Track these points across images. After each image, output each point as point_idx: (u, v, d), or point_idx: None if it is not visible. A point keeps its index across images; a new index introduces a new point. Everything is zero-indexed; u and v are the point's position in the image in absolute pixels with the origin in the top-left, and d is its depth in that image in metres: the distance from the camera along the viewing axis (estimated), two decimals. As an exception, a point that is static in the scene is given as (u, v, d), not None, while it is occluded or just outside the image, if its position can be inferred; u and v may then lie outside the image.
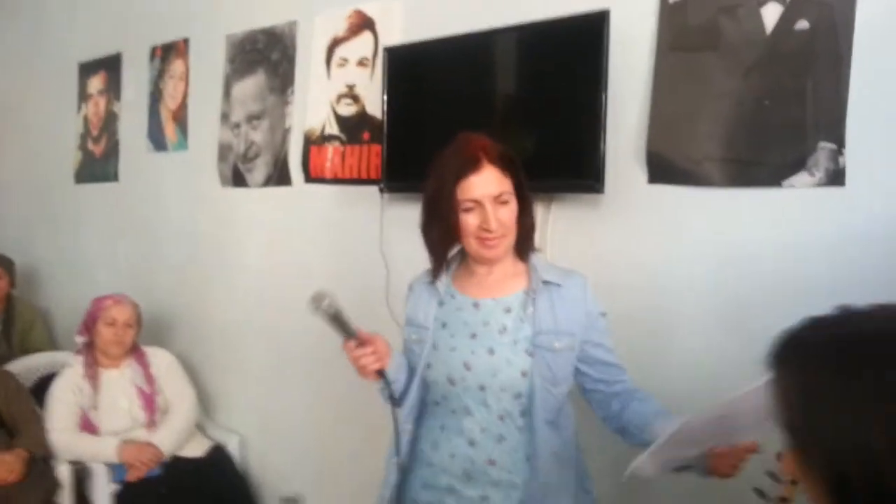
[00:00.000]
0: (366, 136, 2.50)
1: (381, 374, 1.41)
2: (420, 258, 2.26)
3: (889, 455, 0.67)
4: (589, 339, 1.46)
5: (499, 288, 1.48)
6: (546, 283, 1.46)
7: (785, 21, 1.67)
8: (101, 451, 2.65)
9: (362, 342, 1.39)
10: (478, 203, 1.40)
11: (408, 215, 2.36)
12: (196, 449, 2.80)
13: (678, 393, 1.82)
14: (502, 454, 1.42)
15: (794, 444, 0.76)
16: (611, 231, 1.95)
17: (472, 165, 1.40)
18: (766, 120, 1.69)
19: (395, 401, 1.46)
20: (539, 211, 1.99)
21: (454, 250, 1.53)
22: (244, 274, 2.98)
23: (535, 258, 1.50)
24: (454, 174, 1.41)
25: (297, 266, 2.75)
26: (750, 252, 1.73)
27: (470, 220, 1.42)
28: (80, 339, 2.87)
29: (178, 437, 2.76)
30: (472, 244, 1.44)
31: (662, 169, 1.85)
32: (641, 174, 1.88)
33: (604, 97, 1.85)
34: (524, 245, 1.49)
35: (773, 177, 1.68)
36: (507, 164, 1.43)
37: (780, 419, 0.76)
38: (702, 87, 1.78)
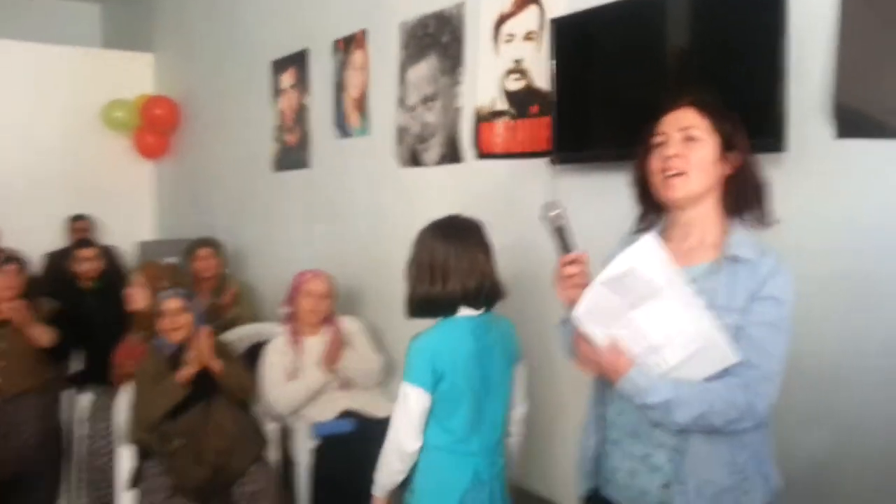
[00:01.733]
0: (534, 109, 2.54)
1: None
2: (592, 229, 2.28)
3: None
4: (742, 318, 1.36)
5: (691, 257, 1.43)
6: (734, 257, 1.39)
7: None
8: (310, 383, 2.96)
9: (577, 261, 1.45)
10: (666, 135, 1.42)
11: (579, 186, 2.40)
12: (381, 410, 3.02)
13: (881, 365, 1.70)
14: None
15: None
16: (796, 192, 1.83)
17: (671, 105, 1.45)
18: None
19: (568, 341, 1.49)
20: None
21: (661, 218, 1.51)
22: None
23: (738, 231, 1.42)
24: (657, 118, 1.45)
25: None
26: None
27: (656, 156, 1.43)
28: (284, 310, 3.20)
29: (358, 366, 3.04)
30: (657, 185, 1.44)
31: (852, 122, 1.72)
32: (828, 129, 1.76)
33: (784, 47, 1.76)
34: (735, 204, 1.43)
35: None
36: (706, 107, 1.42)
37: None
38: (893, 32, 1.63)
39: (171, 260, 4.63)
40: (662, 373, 1.37)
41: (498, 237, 2.53)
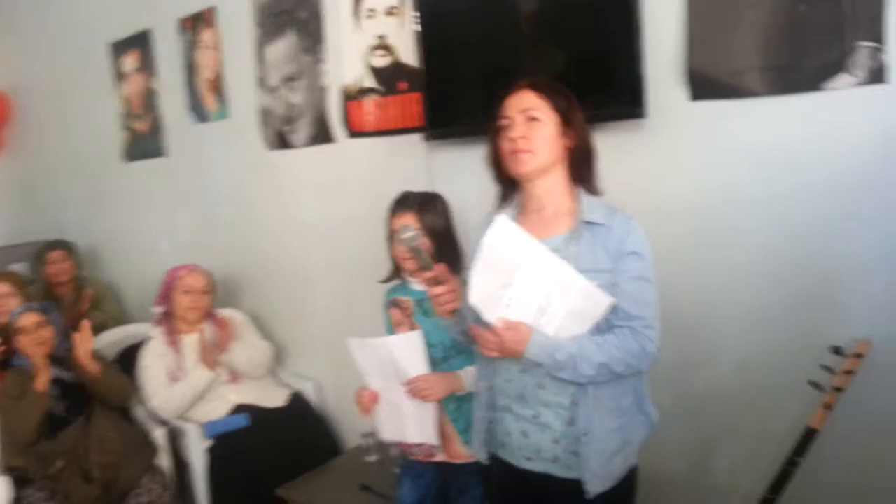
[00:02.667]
0: (402, 85, 2.54)
1: (453, 313, 1.52)
2: (469, 202, 2.33)
3: None
4: (614, 277, 1.48)
5: (549, 228, 1.55)
6: (589, 223, 1.51)
7: (818, -80, 1.64)
8: (196, 382, 2.85)
9: (440, 280, 1.55)
10: (510, 119, 1.54)
11: (454, 160, 2.44)
12: (277, 399, 2.98)
13: (741, 302, 1.89)
14: (550, 379, 1.51)
15: None
16: (656, 154, 1.97)
17: (511, 91, 1.56)
18: (803, 23, 1.68)
19: (466, 338, 1.57)
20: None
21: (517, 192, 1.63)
22: (300, 230, 3.09)
23: (585, 198, 1.55)
24: (499, 103, 1.57)
25: (349, 218, 2.84)
26: (796, 158, 1.75)
27: (504, 137, 1.54)
28: (157, 310, 3.03)
29: (250, 357, 2.98)
30: (508, 163, 1.56)
31: (705, 85, 1.86)
32: (683, 93, 1.89)
33: (637, 20, 1.86)
34: (577, 174, 1.57)
35: (814, 80, 1.69)
36: (543, 89, 1.54)
37: None
38: (736, -1, 1.77)
39: (19, 266, 4.26)
40: (555, 327, 1.48)
41: (375, 214, 2.52)
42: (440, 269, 1.58)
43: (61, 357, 2.78)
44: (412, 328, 2.00)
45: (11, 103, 4.90)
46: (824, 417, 1.69)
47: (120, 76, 3.90)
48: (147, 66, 3.70)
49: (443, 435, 2.02)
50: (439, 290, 1.57)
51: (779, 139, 1.77)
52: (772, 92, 1.76)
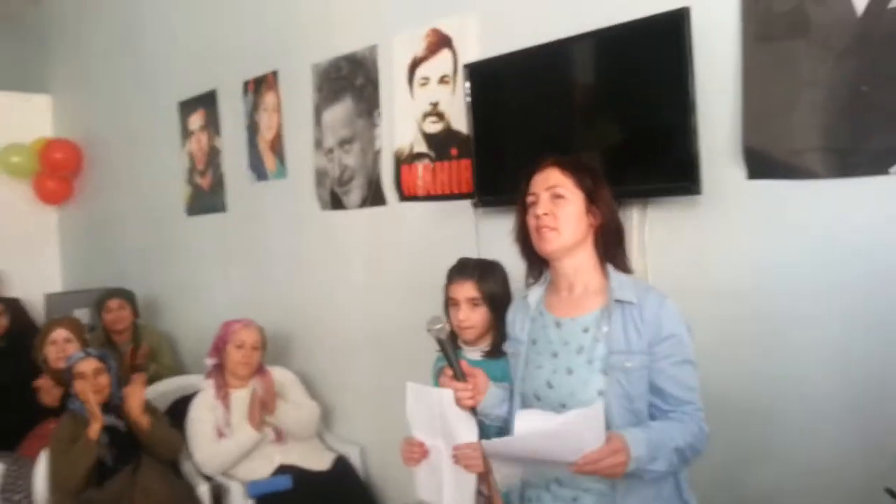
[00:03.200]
0: (454, 151, 2.55)
1: (473, 410, 1.55)
2: (517, 268, 2.30)
3: None
4: (653, 361, 1.45)
5: (579, 306, 1.54)
6: (619, 301, 1.48)
7: (876, 2, 1.59)
8: (241, 440, 2.85)
9: (463, 375, 1.54)
10: (536, 196, 1.55)
11: (503, 227, 2.40)
12: (321, 462, 2.95)
13: (801, 398, 1.78)
14: None
15: None
16: (712, 233, 1.91)
17: (537, 168, 1.58)
18: (865, 105, 1.62)
19: (482, 433, 1.58)
20: (634, 217, 1.99)
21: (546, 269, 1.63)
22: (349, 291, 3.11)
23: (615, 275, 1.53)
24: (526, 179, 1.60)
25: (398, 282, 2.84)
26: (863, 244, 1.66)
27: (531, 214, 1.56)
28: (210, 362, 3.07)
29: (297, 417, 2.96)
30: (535, 241, 1.55)
31: (761, 163, 1.80)
32: (739, 171, 1.84)
33: (692, 95, 1.83)
34: (606, 252, 1.56)
35: (880, 164, 1.61)
36: (568, 166, 1.55)
37: None
38: (794, 76, 1.72)
39: (81, 312, 4.41)
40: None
41: (425, 278, 2.53)
42: (464, 366, 1.57)
43: (114, 405, 2.84)
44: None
45: (83, 155, 5.16)
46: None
47: (186, 133, 4.05)
48: (211, 124, 3.84)
49: None
50: (459, 386, 1.56)
51: (843, 224, 1.68)
52: (834, 174, 1.68)
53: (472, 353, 2.01)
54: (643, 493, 1.46)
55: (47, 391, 3.16)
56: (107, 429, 2.76)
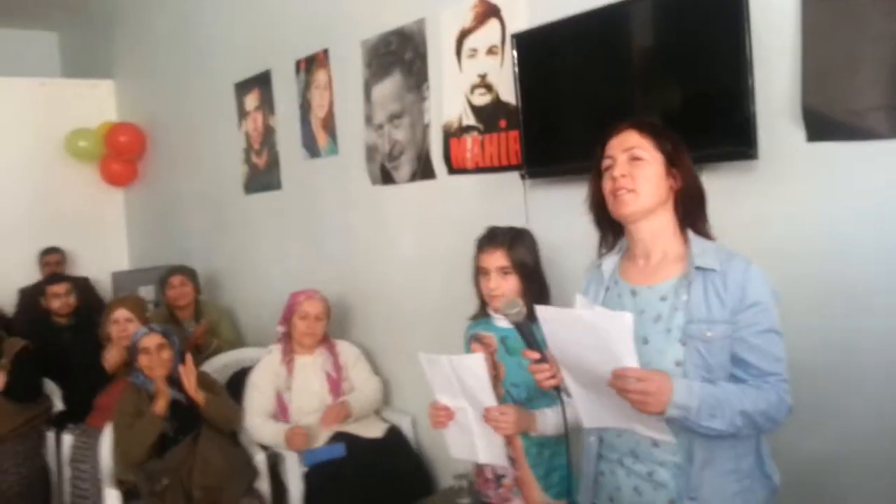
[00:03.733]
0: (502, 123, 2.53)
1: (556, 389, 1.50)
2: (565, 242, 2.28)
3: None
4: (735, 331, 1.39)
5: (657, 274, 1.49)
6: (700, 268, 1.42)
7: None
8: (274, 436, 2.93)
9: (544, 356, 1.48)
10: (613, 158, 1.49)
11: (551, 199, 2.39)
12: (375, 430, 3.01)
13: (864, 369, 1.71)
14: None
15: None
16: (770, 198, 1.84)
17: (614, 131, 1.52)
18: (938, 59, 1.53)
19: (568, 395, 1.51)
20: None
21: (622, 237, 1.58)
22: (401, 264, 3.13)
23: (696, 241, 1.47)
24: (601, 142, 1.53)
25: (449, 255, 2.82)
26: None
27: (607, 178, 1.49)
28: (280, 329, 3.17)
29: (364, 405, 3.02)
30: (610, 205, 1.50)
31: (821, 125, 1.72)
32: (798, 133, 1.76)
33: (749, 56, 1.76)
34: (686, 217, 1.50)
35: (950, 121, 1.52)
36: (647, 129, 1.49)
37: None
38: (857, 31, 1.64)
39: (146, 289, 4.57)
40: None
41: (471, 251, 2.50)
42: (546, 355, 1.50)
43: (176, 379, 2.93)
44: (494, 365, 1.98)
45: (146, 138, 5.32)
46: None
47: (242, 113, 4.13)
48: (266, 104, 3.90)
49: (520, 481, 1.97)
50: (542, 367, 1.49)
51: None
52: (899, 134, 1.60)
53: (500, 321, 2.01)
54: (721, 466, 1.42)
55: (111, 357, 3.28)
56: (169, 402, 2.87)
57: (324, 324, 3.11)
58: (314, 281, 3.56)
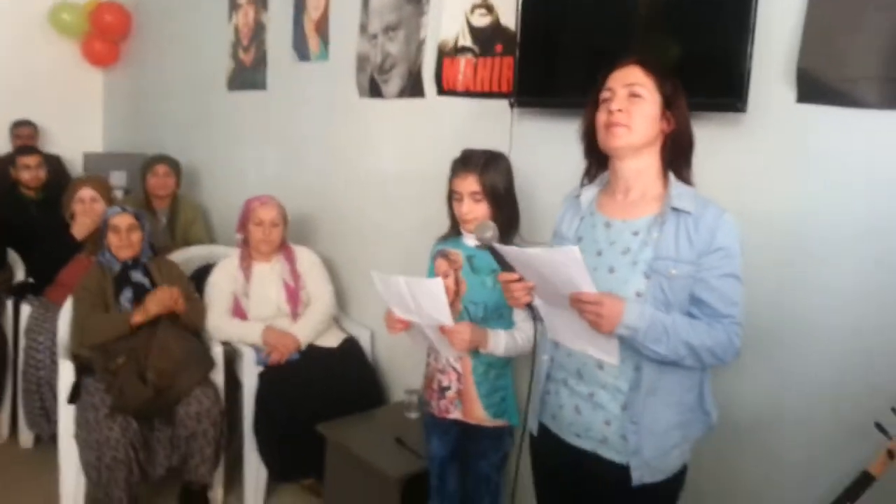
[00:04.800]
0: (499, 48, 2.49)
1: (529, 306, 1.53)
2: (548, 173, 2.28)
3: None
4: (698, 271, 1.45)
5: (633, 210, 1.53)
6: (676, 209, 1.47)
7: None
8: (247, 334, 2.94)
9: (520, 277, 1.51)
10: (612, 91, 1.49)
11: (540, 130, 2.38)
12: (331, 339, 3.05)
13: (816, 328, 1.77)
14: None
15: None
16: (753, 154, 1.86)
17: (618, 64, 1.52)
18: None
19: (540, 319, 1.57)
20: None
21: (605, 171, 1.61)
22: (379, 180, 3.12)
23: (676, 185, 1.50)
24: (604, 73, 1.53)
25: (428, 175, 2.81)
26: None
27: (603, 109, 1.51)
28: (238, 236, 3.14)
29: (314, 329, 3.01)
30: (602, 137, 1.51)
31: (814, 87, 1.72)
32: (789, 93, 1.77)
33: (754, 5, 1.74)
34: (672, 161, 1.52)
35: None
36: (651, 67, 1.50)
37: None
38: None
39: (119, 174, 4.50)
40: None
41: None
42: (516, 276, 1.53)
43: (143, 263, 2.93)
44: (457, 281, 2.02)
45: (132, 19, 5.13)
46: (885, 464, 1.56)
47: (234, 5, 3.99)
48: (262, -1, 3.77)
49: (464, 396, 2.04)
50: (520, 285, 1.51)
51: (890, 158, 1.63)
52: (888, 105, 1.61)
53: (469, 241, 2.04)
54: (665, 396, 1.49)
55: (80, 226, 3.24)
56: (133, 285, 2.86)
57: (280, 230, 3.06)
58: (289, 186, 3.55)
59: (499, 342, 1.92)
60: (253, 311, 3.00)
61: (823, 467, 1.77)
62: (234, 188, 4.03)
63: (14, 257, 3.58)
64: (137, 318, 2.71)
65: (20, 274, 3.52)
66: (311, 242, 3.43)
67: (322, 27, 3.34)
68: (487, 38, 2.53)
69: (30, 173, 3.85)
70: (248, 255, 3.08)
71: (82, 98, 5.55)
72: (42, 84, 5.27)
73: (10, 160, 4.06)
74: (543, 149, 2.34)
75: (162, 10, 4.78)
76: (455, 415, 2.07)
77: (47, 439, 3.17)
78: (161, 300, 2.74)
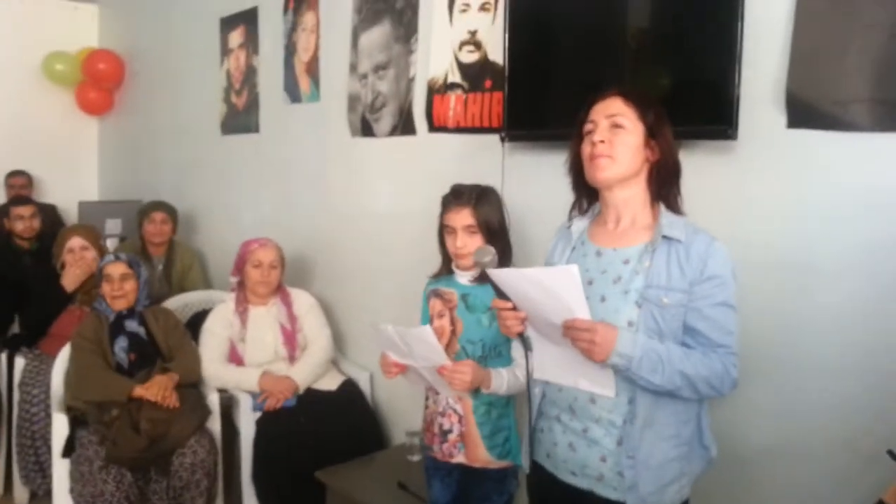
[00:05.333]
0: (488, 83, 2.49)
1: (521, 335, 1.51)
2: (540, 205, 2.26)
3: None
4: (691, 300, 1.42)
5: (624, 239, 1.51)
6: (667, 238, 1.45)
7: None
8: (244, 381, 2.90)
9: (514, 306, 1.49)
10: (595, 123, 1.50)
11: (528, 163, 2.37)
12: (330, 383, 3.00)
13: (818, 354, 1.73)
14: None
15: None
16: (745, 180, 1.84)
17: (600, 96, 1.53)
18: (926, 55, 1.52)
19: (530, 348, 1.53)
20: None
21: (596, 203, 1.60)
22: (373, 219, 3.10)
23: (666, 214, 1.49)
24: (586, 107, 1.54)
25: (421, 213, 2.79)
26: (900, 203, 1.58)
27: (587, 142, 1.51)
28: (233, 279, 3.11)
29: (312, 372, 2.96)
30: (587, 169, 1.51)
31: (804, 112, 1.71)
32: (780, 118, 1.75)
33: (740, 35, 1.74)
34: (659, 191, 1.51)
35: (932, 120, 1.52)
36: (632, 97, 1.50)
37: None
38: (850, 19, 1.62)
39: (114, 222, 4.49)
40: None
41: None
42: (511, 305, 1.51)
43: (138, 312, 2.90)
44: (453, 321, 1.99)
45: (125, 67, 5.18)
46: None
47: (226, 50, 4.03)
48: (251, 42, 3.81)
49: (466, 439, 1.99)
50: (513, 315, 1.49)
51: (884, 181, 1.60)
52: (879, 128, 1.60)
53: (462, 279, 2.01)
54: (662, 430, 1.46)
55: (70, 276, 3.22)
56: (127, 334, 2.83)
57: (278, 272, 3.04)
58: (284, 228, 3.53)
59: (501, 382, 1.87)
60: (249, 356, 2.96)
61: (834, 498, 1.71)
62: (230, 231, 4.01)
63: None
64: (138, 392, 2.66)
65: (14, 326, 3.48)
66: (307, 284, 3.40)
67: (312, 68, 3.35)
68: (476, 74, 2.54)
69: (23, 224, 3.84)
70: (244, 299, 3.04)
71: (77, 147, 5.59)
72: (37, 134, 5.31)
73: (4, 211, 4.04)
74: (535, 181, 2.32)
75: (155, 57, 4.83)
76: (458, 458, 2.01)
77: (42, 495, 3.10)
78: (161, 390, 2.68)
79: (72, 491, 2.60)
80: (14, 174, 4.99)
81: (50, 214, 4.69)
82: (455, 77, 2.61)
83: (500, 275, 1.46)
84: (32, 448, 3.08)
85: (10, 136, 5.16)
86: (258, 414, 2.84)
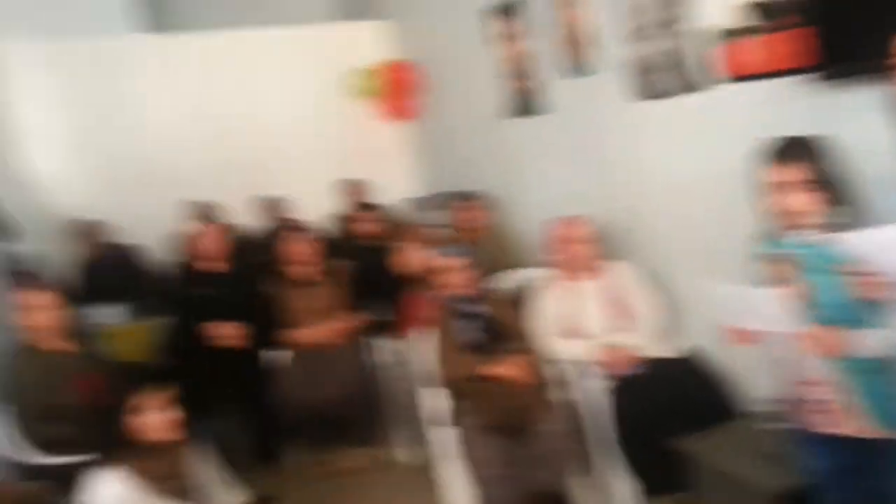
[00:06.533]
0: (790, 20, 2.29)
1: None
2: (873, 149, 2.02)
3: None
4: None
5: None
6: None
7: None
8: (584, 353, 3.01)
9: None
10: None
11: (854, 102, 2.13)
12: (668, 352, 3.02)
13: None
14: None
15: None
16: None
17: None
18: None
19: None
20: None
21: None
22: (676, 184, 3.05)
23: None
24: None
25: (725, 172, 2.66)
26: None
27: None
28: (549, 258, 3.26)
29: (649, 341, 3.01)
30: None
31: None
32: None
33: None
34: None
35: None
36: None
37: None
38: None
39: (435, 214, 4.97)
40: None
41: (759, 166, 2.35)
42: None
43: (478, 296, 3.18)
44: (799, 285, 1.88)
45: (421, 73, 5.64)
46: None
47: (499, 39, 4.20)
48: (522, 26, 3.94)
49: (843, 408, 1.88)
50: (872, 280, 1.43)
51: None
52: None
53: (796, 238, 1.89)
54: None
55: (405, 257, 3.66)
56: (477, 315, 3.12)
57: (591, 247, 3.08)
58: (592, 203, 3.56)
59: (868, 342, 1.74)
60: (584, 329, 3.08)
61: None
62: (539, 212, 4.16)
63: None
64: (489, 373, 2.95)
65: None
66: (624, 257, 3.40)
67: (584, 39, 3.37)
68: (775, 12, 2.35)
69: (371, 226, 4.52)
70: (565, 276, 3.17)
71: (390, 151, 6.20)
72: (354, 144, 6.05)
73: (350, 217, 4.77)
74: (866, 121, 2.10)
75: (439, 60, 5.22)
76: (839, 429, 1.90)
77: (420, 461, 3.53)
78: (512, 369, 2.94)
79: (458, 455, 2.95)
80: (350, 182, 5.61)
81: (386, 214, 5.30)
82: (749, 19, 2.45)
83: (853, 239, 1.36)
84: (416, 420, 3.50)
85: (332, 149, 5.96)
86: (609, 383, 2.92)
